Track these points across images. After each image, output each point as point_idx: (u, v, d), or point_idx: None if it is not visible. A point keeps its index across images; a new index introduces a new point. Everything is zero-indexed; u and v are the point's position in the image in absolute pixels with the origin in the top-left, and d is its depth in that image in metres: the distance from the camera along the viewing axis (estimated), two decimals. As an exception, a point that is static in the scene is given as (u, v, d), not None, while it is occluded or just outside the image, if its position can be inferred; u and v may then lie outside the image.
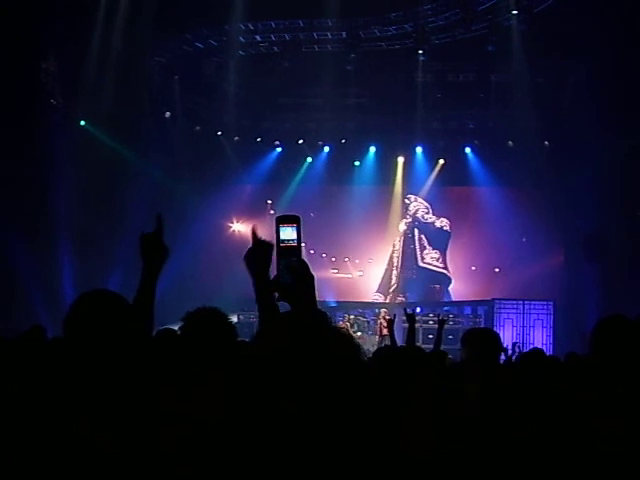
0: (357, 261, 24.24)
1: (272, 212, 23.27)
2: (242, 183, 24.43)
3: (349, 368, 1.80)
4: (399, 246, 24.61)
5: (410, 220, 24.59)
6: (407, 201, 24.47)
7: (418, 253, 24.63)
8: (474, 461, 3.08)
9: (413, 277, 24.36)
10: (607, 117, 19.11)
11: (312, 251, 22.26)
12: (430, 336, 19.57)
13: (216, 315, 3.58)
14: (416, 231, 24.61)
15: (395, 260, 24.55)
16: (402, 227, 24.77)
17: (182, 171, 22.72)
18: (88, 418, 2.44)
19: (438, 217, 24.48)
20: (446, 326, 21.60)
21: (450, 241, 24.52)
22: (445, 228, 24.47)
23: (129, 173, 21.28)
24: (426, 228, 24.61)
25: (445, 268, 24.46)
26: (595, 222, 20.15)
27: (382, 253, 24.55)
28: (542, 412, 3.41)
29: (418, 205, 24.64)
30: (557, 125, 21.62)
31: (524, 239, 22.29)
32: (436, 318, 12.62)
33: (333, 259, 23.13)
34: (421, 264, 24.59)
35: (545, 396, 3.58)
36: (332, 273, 23.94)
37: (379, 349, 6.54)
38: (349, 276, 24.19)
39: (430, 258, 24.62)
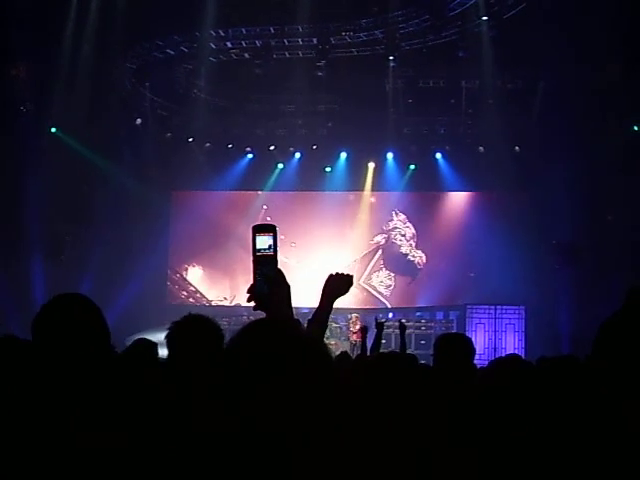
0: (282, 237, 23.45)
1: (266, 214, 23.04)
2: (213, 189, 24.34)
3: (324, 374, 1.81)
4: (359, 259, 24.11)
5: (383, 239, 24.13)
6: (393, 214, 24.21)
7: (367, 271, 23.98)
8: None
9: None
10: (577, 123, 19.28)
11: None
12: (403, 341, 19.58)
13: (208, 322, 3.58)
14: (379, 251, 24.14)
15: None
16: (378, 239, 24.22)
17: (153, 177, 22.63)
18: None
19: (417, 249, 23.95)
20: (418, 331, 21.84)
21: (417, 277, 23.79)
22: (417, 262, 23.84)
23: (100, 180, 21.21)
24: (392, 251, 24.04)
25: (389, 301, 23.83)
26: (567, 227, 20.25)
27: (320, 247, 23.71)
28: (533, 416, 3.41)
29: (398, 224, 24.14)
30: (527, 131, 21.75)
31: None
32: (406, 323, 12.59)
33: None
34: (362, 282, 23.59)
35: (533, 400, 3.58)
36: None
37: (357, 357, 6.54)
38: None
39: (378, 283, 23.98)
